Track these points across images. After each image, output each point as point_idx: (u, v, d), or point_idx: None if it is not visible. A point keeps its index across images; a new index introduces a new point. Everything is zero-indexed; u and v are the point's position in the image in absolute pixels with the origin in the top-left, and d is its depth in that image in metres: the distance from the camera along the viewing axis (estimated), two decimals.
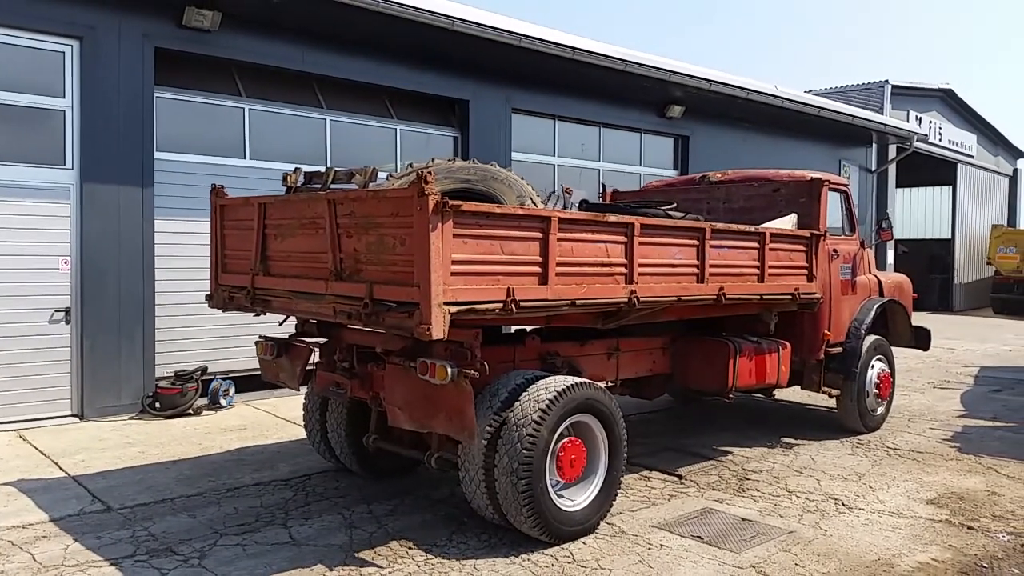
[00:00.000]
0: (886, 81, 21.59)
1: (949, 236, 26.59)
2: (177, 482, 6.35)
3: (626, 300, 5.57)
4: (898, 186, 23.58)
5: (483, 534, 5.25)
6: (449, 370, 4.65)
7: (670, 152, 15.46)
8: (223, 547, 5.03)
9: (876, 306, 8.49)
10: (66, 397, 8.44)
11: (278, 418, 8.61)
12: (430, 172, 4.37)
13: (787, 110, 15.77)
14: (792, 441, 8.04)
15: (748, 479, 6.70)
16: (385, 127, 11.07)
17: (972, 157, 26.66)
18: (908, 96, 22.47)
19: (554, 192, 6.56)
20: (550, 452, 5.03)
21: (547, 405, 4.96)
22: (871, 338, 8.37)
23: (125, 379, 8.69)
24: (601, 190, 9.57)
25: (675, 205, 7.17)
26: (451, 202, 4.39)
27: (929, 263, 26.07)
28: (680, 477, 6.72)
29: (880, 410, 8.55)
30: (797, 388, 8.25)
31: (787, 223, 7.59)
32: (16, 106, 8.18)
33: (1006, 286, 24.24)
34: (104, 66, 8.51)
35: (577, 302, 5.25)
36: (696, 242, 6.15)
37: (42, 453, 7.15)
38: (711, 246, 6.23)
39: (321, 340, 6.11)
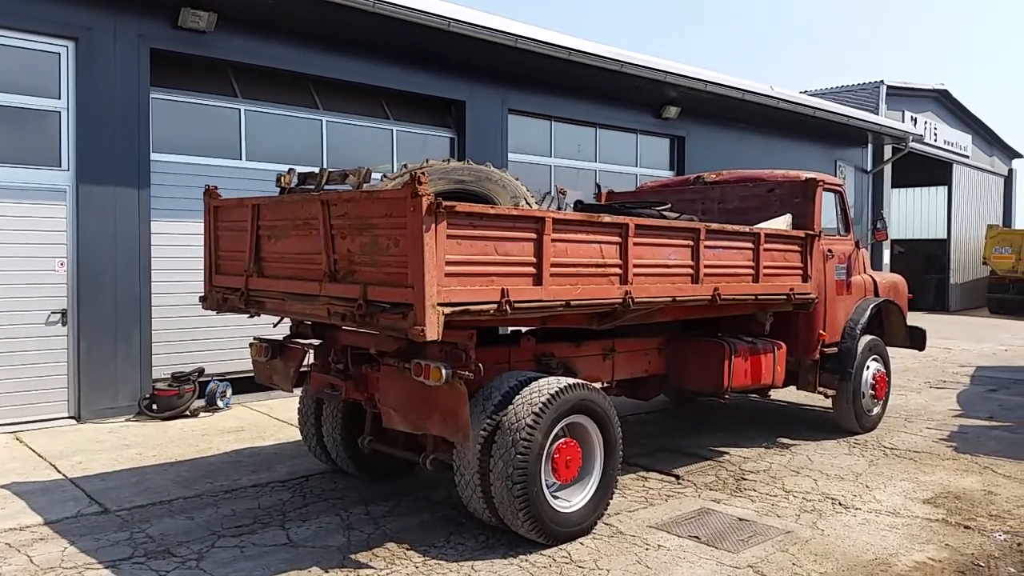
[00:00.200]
0: (881, 82, 21.65)
1: (945, 236, 26.66)
2: (175, 484, 6.34)
3: (621, 301, 5.57)
4: (894, 186, 23.64)
5: (481, 535, 5.26)
6: (443, 371, 4.64)
7: (666, 153, 15.48)
8: (221, 549, 5.02)
9: (871, 306, 8.51)
10: (63, 399, 8.42)
11: (275, 420, 8.61)
12: (423, 173, 4.36)
13: (783, 111, 15.81)
14: (789, 441, 8.06)
15: (745, 479, 6.71)
16: (381, 128, 11.06)
17: (967, 157, 26.74)
18: (903, 97, 22.53)
19: (549, 193, 6.56)
20: (545, 454, 5.03)
21: (540, 408, 4.94)
22: (866, 338, 8.38)
23: (122, 381, 8.68)
24: (596, 191, 9.58)
25: (670, 206, 7.18)
26: (445, 203, 4.39)
27: (925, 263, 26.14)
28: (677, 477, 6.73)
29: (876, 410, 8.57)
30: (793, 388, 8.27)
31: (782, 223, 7.60)
32: (11, 107, 8.17)
33: (1002, 286, 24.30)
34: (100, 67, 8.49)
35: (572, 303, 5.25)
36: (691, 243, 6.15)
37: (39, 455, 7.13)
38: (706, 247, 6.23)
39: (316, 342, 6.09)
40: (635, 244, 5.61)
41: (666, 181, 10.03)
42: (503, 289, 4.77)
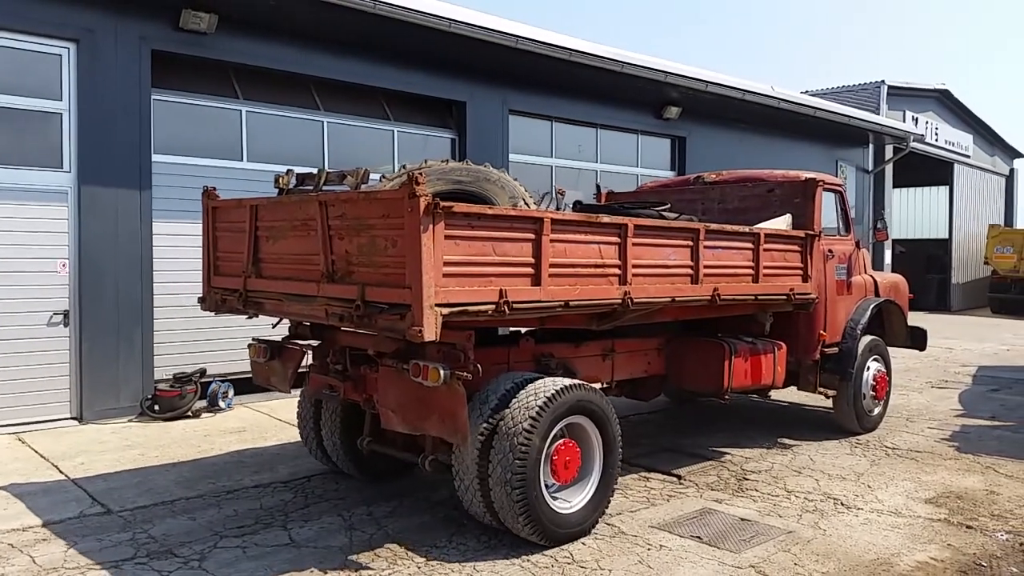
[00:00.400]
0: (882, 82, 21.65)
1: (946, 236, 26.64)
2: (177, 484, 6.35)
3: (620, 301, 5.56)
4: (895, 186, 23.63)
5: (483, 535, 5.26)
6: (442, 372, 4.64)
7: (667, 153, 15.49)
8: (223, 549, 5.03)
9: (872, 306, 8.49)
10: (65, 400, 8.43)
11: (277, 420, 8.61)
12: (421, 173, 4.36)
13: (783, 111, 15.81)
14: (790, 441, 8.05)
15: (747, 479, 6.71)
16: (382, 129, 11.07)
17: (968, 157, 26.73)
18: (904, 96, 22.53)
19: (547, 193, 6.56)
20: (543, 456, 5.01)
21: (537, 412, 4.91)
22: (867, 338, 8.37)
23: (124, 381, 8.69)
24: (596, 191, 9.58)
25: (669, 206, 7.17)
26: (442, 203, 4.38)
27: (926, 263, 26.13)
28: (679, 478, 6.73)
29: (877, 410, 8.56)
30: (794, 389, 8.26)
31: (782, 223, 7.60)
32: (13, 109, 8.18)
33: (1003, 286, 24.28)
34: (101, 69, 8.51)
35: (570, 303, 5.23)
36: (690, 243, 6.15)
37: (41, 456, 7.14)
38: (705, 247, 6.23)
39: (314, 343, 6.08)
40: (634, 244, 5.61)
41: (666, 181, 10.03)
42: (501, 290, 4.77)
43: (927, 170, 25.31)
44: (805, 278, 7.44)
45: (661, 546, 5.17)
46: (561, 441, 5.18)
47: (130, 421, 8.56)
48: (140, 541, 5.15)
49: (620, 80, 12.67)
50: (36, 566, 4.77)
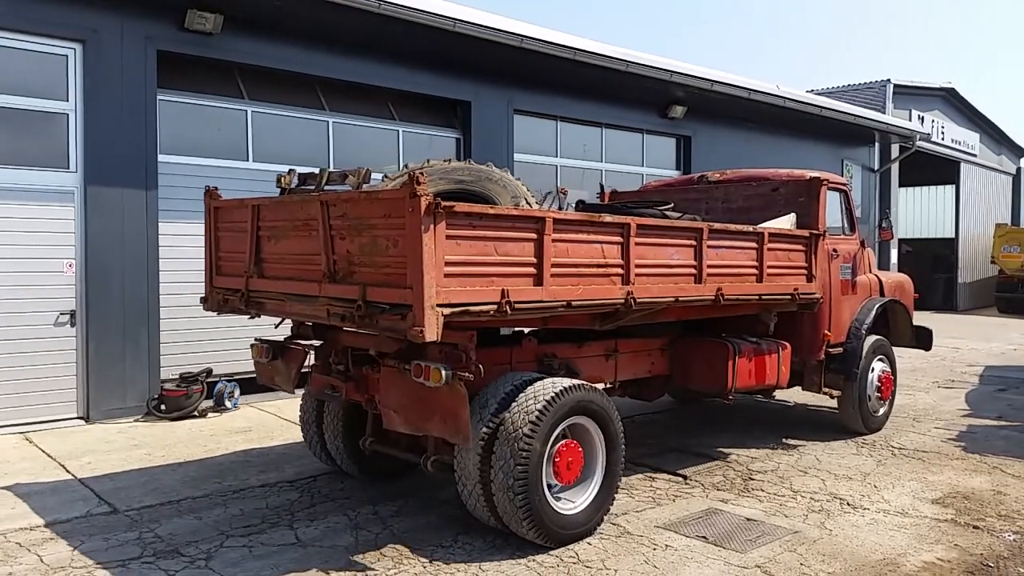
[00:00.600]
0: (888, 80, 21.58)
1: (953, 235, 26.57)
2: (183, 484, 6.36)
3: (623, 301, 5.54)
4: (901, 185, 23.57)
5: (488, 535, 5.26)
6: (443, 372, 4.62)
7: (672, 152, 15.47)
8: (229, 548, 5.04)
9: (877, 306, 8.47)
10: (72, 399, 8.46)
11: (283, 420, 8.63)
12: (422, 173, 4.35)
13: (789, 110, 15.77)
14: (796, 441, 8.04)
15: (753, 479, 6.70)
16: (387, 129, 11.08)
17: (975, 156, 26.63)
18: (910, 95, 22.46)
19: (550, 192, 6.55)
20: (545, 458, 4.99)
21: (537, 417, 4.88)
22: (872, 338, 8.34)
23: (130, 381, 8.72)
24: (599, 190, 9.57)
25: (672, 205, 7.16)
26: (443, 203, 4.37)
27: (933, 262, 26.05)
28: (685, 477, 6.72)
29: (882, 411, 8.53)
30: (799, 388, 8.23)
31: (786, 223, 7.58)
32: (20, 109, 8.21)
33: (1010, 285, 24.19)
34: (107, 69, 8.53)
35: (573, 303, 5.22)
36: (693, 242, 6.13)
37: (48, 455, 7.17)
38: (708, 246, 6.21)
39: (317, 343, 6.09)
40: (637, 244, 5.59)
41: (670, 180, 10.01)
42: (503, 290, 4.75)
43: (934, 169, 25.24)
44: (809, 278, 7.41)
45: (667, 546, 5.17)
46: (563, 442, 5.16)
47: (136, 421, 8.59)
48: (147, 540, 5.17)
49: (625, 79, 12.65)
50: (44, 565, 4.78)
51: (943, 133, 24.06)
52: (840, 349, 8.10)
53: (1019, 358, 14.35)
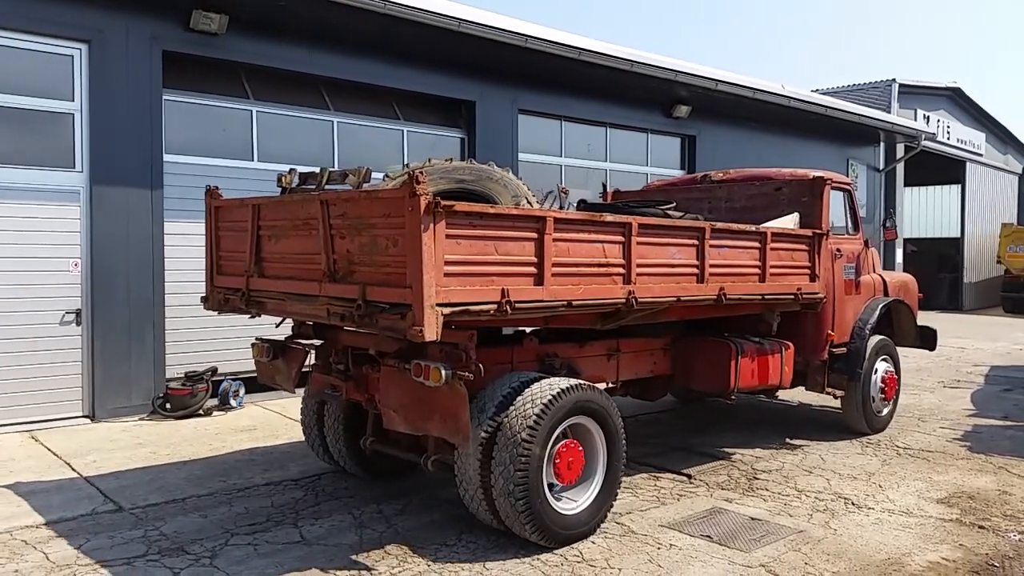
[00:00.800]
0: (893, 80, 21.53)
1: (958, 235, 26.49)
2: (188, 482, 6.38)
3: (624, 301, 5.53)
4: (906, 185, 23.50)
5: (492, 534, 5.26)
6: (443, 372, 4.62)
7: (677, 152, 15.45)
8: (234, 547, 5.05)
9: (880, 306, 8.44)
10: (77, 398, 8.49)
11: (288, 418, 8.65)
12: (422, 172, 4.34)
13: (794, 109, 15.75)
14: (801, 441, 8.03)
15: (757, 479, 6.69)
16: (392, 128, 11.10)
17: (981, 155, 26.55)
18: (915, 95, 22.40)
19: (551, 192, 6.53)
20: (545, 460, 4.98)
21: (535, 420, 4.86)
22: (876, 338, 8.32)
23: (135, 380, 8.74)
24: (602, 190, 9.56)
25: (674, 204, 7.14)
26: (443, 202, 4.37)
27: (938, 262, 25.98)
28: (689, 477, 6.71)
29: (885, 411, 8.51)
30: (803, 388, 8.21)
31: (789, 222, 7.56)
32: (26, 109, 8.24)
33: (1016, 285, 24.11)
34: (112, 69, 8.56)
35: (574, 303, 5.21)
36: (695, 242, 6.11)
37: (54, 454, 7.19)
38: (711, 246, 6.19)
39: (317, 342, 6.09)
40: (638, 243, 5.57)
41: (672, 180, 10.00)
42: (503, 289, 4.74)
43: (939, 169, 25.16)
44: (813, 277, 7.39)
45: (671, 545, 5.17)
46: (563, 442, 5.14)
47: (142, 419, 8.62)
48: (152, 538, 5.19)
49: (630, 79, 12.65)
50: (49, 563, 4.80)
51: (949, 133, 23.99)
52: (843, 349, 8.08)
53: None
